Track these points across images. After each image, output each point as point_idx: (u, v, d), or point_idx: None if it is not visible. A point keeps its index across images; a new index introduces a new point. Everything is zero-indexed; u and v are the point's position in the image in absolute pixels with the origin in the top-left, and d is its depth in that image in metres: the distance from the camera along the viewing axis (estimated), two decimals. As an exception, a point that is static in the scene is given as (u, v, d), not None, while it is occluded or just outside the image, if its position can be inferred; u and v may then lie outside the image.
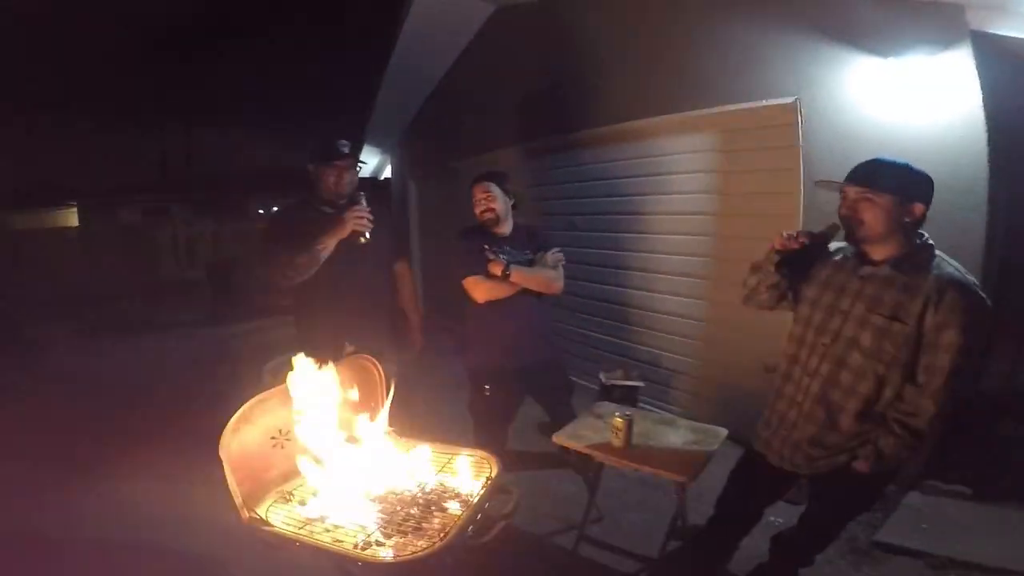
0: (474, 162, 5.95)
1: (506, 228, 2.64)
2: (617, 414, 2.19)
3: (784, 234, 1.71)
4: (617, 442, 2.15)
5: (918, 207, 1.56)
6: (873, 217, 1.56)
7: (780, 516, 2.40)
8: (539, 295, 2.63)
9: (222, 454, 1.40)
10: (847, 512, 1.90)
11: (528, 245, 2.64)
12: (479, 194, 2.60)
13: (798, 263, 1.76)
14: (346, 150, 2.35)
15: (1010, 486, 2.61)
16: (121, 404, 4.31)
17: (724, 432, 2.25)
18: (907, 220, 1.56)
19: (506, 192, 2.62)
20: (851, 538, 2.38)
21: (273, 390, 1.64)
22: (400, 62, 6.14)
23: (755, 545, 2.14)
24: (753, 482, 2.00)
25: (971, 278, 1.54)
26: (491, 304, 2.55)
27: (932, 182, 1.59)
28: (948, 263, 1.57)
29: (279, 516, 1.47)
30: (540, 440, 3.21)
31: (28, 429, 3.59)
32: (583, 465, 2.65)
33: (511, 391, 2.71)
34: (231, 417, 1.48)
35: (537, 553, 2.43)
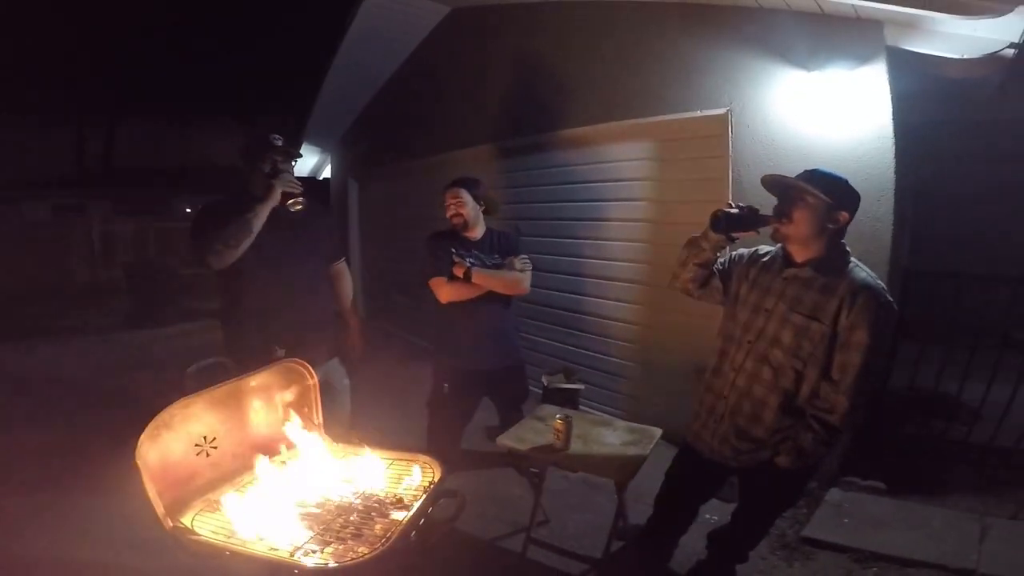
0: (421, 164, 5.88)
1: (476, 233, 2.69)
2: (558, 416, 2.22)
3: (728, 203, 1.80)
4: (558, 444, 2.17)
5: (844, 215, 1.68)
6: (802, 217, 1.67)
7: (715, 514, 2.49)
8: (507, 301, 2.68)
9: (139, 461, 1.30)
10: (774, 507, 2.00)
11: (497, 249, 2.69)
12: (449, 199, 2.65)
13: (730, 231, 1.79)
14: (279, 143, 2.26)
15: (919, 481, 2.83)
16: (28, 412, 3.93)
17: (659, 432, 2.32)
18: (831, 226, 1.68)
19: (476, 198, 2.67)
20: (780, 534, 2.49)
21: (196, 395, 1.53)
22: (346, 59, 5.99)
23: (694, 543, 2.21)
24: (687, 479, 2.07)
25: (880, 283, 1.67)
26: (457, 307, 2.58)
27: (860, 198, 1.73)
28: (861, 268, 1.70)
29: (207, 525, 1.38)
30: (486, 442, 3.19)
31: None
32: (526, 466, 2.67)
33: (471, 392, 2.74)
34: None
35: (485, 556, 2.41)
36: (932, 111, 3.20)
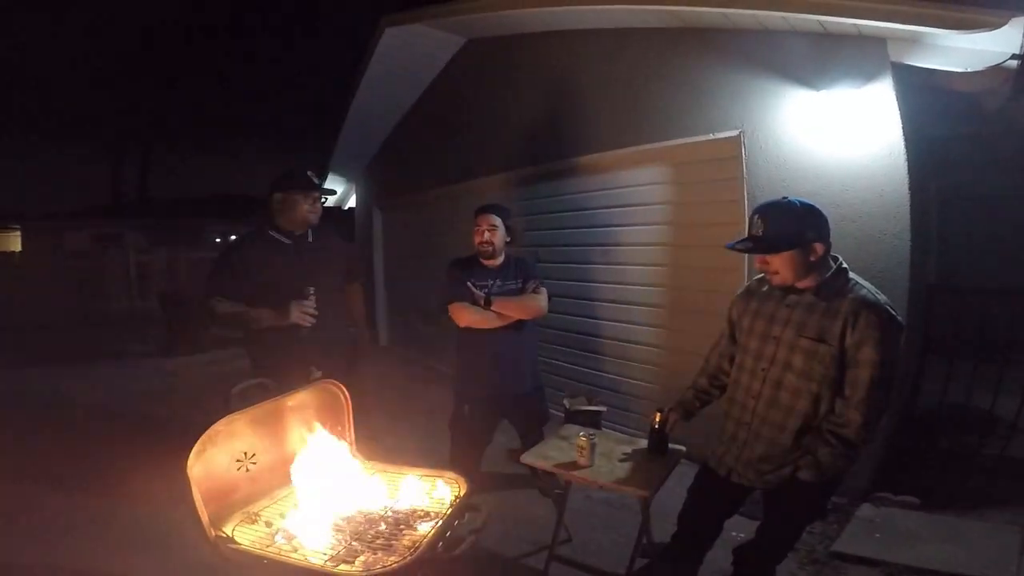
0: (439, 193, 6.04)
1: (497, 261, 2.73)
2: (581, 434, 2.25)
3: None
4: (582, 460, 2.20)
5: (818, 247, 1.71)
6: (781, 267, 1.73)
7: (741, 531, 2.47)
8: (522, 326, 2.71)
9: (188, 474, 1.39)
10: (799, 521, 2.00)
11: (515, 275, 2.74)
12: (484, 224, 2.66)
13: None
14: (316, 180, 2.43)
15: (954, 496, 2.78)
16: (69, 437, 4.09)
17: (682, 449, 2.34)
18: (812, 259, 1.72)
19: (507, 228, 2.72)
20: (810, 550, 2.47)
21: (239, 413, 1.63)
22: (367, 92, 6.22)
23: (719, 560, 2.21)
24: (711, 496, 2.08)
25: (882, 297, 1.70)
26: (475, 332, 2.64)
27: (825, 219, 1.74)
28: (861, 285, 1.73)
29: (246, 536, 1.46)
30: (509, 464, 3.23)
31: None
32: (549, 485, 2.70)
33: (490, 415, 2.79)
34: (195, 440, 1.47)
35: (508, 574, 2.43)
36: (952, 125, 3.20)
